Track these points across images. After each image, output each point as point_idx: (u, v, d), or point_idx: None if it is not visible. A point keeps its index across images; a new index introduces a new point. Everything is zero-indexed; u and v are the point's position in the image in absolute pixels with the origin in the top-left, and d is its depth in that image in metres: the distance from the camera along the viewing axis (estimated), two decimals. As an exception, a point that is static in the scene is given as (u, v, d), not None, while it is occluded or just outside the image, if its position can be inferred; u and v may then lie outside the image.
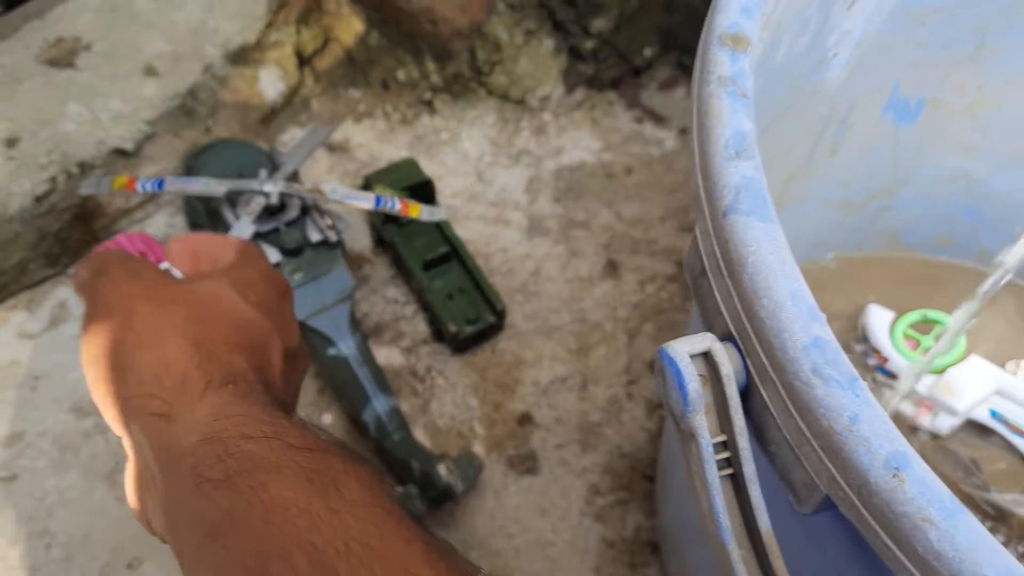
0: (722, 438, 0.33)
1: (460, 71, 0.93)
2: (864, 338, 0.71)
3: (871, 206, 0.72)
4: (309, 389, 0.77)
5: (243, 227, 0.70)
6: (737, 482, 0.33)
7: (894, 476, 0.27)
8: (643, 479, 0.75)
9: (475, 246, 0.87)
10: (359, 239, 0.86)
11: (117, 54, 0.81)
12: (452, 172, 0.92)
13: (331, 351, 0.72)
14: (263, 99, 0.89)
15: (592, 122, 0.98)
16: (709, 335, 0.33)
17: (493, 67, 0.92)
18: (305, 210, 0.74)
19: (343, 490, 0.32)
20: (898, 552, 0.28)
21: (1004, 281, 0.53)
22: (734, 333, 0.33)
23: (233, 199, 0.73)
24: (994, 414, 0.65)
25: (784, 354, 0.30)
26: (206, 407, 0.36)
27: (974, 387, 0.65)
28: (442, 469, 0.66)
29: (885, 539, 0.28)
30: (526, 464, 0.76)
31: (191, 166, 0.77)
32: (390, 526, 0.31)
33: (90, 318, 0.41)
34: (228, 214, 0.72)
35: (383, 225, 0.81)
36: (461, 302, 0.79)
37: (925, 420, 0.66)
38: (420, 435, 0.76)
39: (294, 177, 0.76)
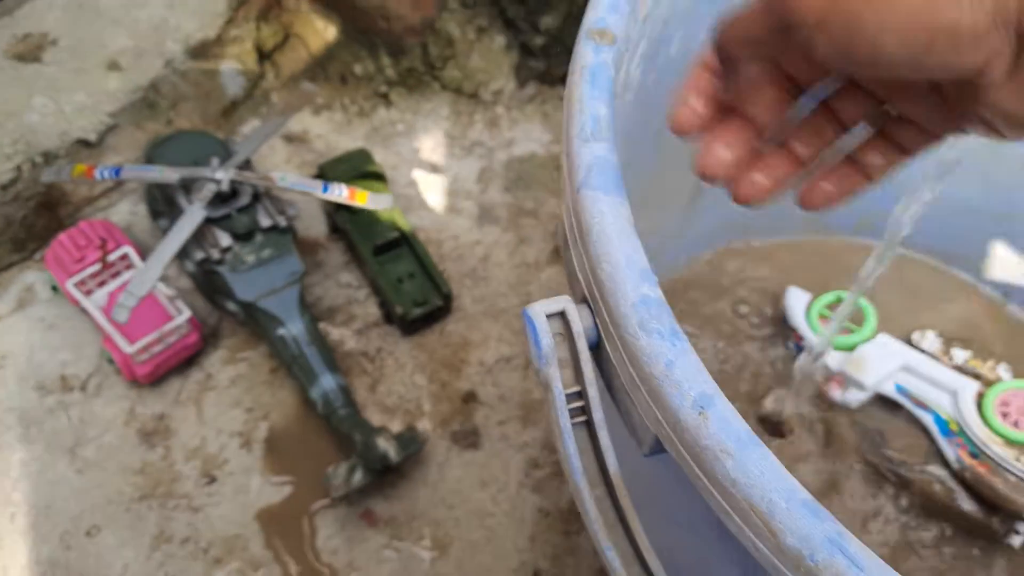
0: (576, 388, 0.37)
1: (414, 66, 0.96)
2: (784, 320, 0.75)
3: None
4: (263, 368, 0.81)
5: (195, 212, 0.74)
6: (591, 428, 0.37)
7: (699, 414, 0.31)
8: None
9: (427, 233, 0.91)
10: (315, 226, 0.90)
11: (82, 49, 0.85)
12: (407, 162, 0.96)
13: (280, 331, 0.76)
14: (224, 92, 0.92)
15: (543, 115, 1.02)
16: (565, 297, 0.37)
17: (446, 62, 0.96)
18: (257, 197, 0.78)
19: None
20: (706, 481, 0.32)
21: (889, 255, 0.57)
22: (587, 295, 0.37)
23: (187, 186, 0.77)
24: (900, 388, 0.69)
25: (618, 310, 0.34)
26: None
27: (882, 363, 0.69)
28: (380, 441, 0.70)
29: (696, 470, 0.32)
30: (469, 439, 0.80)
31: (151, 156, 0.81)
32: None
33: None
34: (182, 200, 0.76)
35: (336, 212, 0.85)
36: (410, 286, 0.83)
37: (836, 394, 0.69)
38: (370, 413, 0.80)
39: (247, 166, 0.79)
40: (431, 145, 0.98)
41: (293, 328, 0.76)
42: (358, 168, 0.85)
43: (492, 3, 0.96)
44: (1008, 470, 0.64)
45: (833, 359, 0.70)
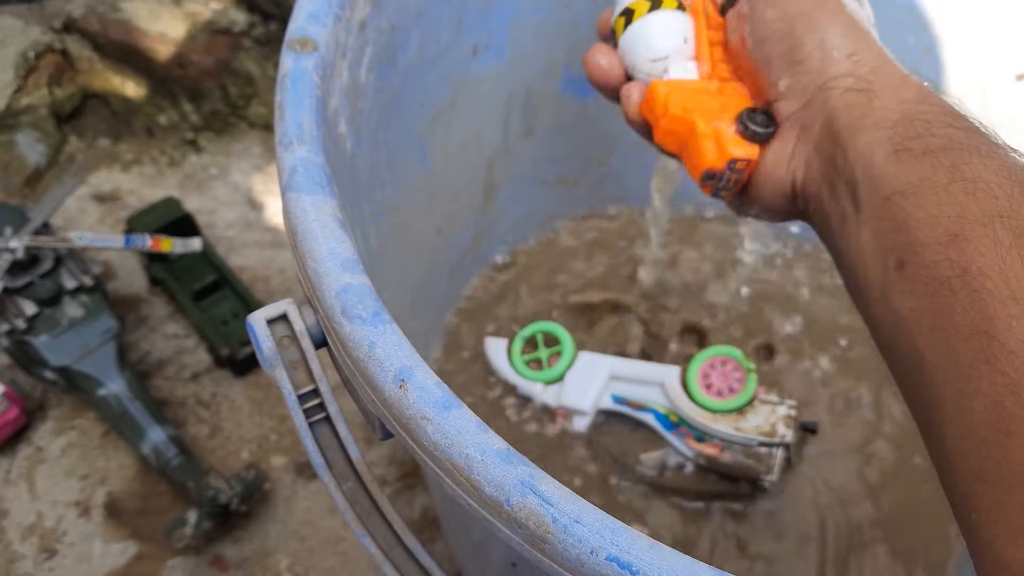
0: (311, 387, 0.38)
1: (217, 108, 0.96)
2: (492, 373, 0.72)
3: (588, 178, 0.79)
4: (94, 433, 0.79)
5: (-10, 285, 0.72)
6: (331, 423, 0.38)
7: (400, 387, 0.32)
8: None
9: (254, 271, 0.91)
10: (135, 281, 0.88)
11: None
12: (225, 204, 0.96)
13: (101, 391, 0.75)
14: (24, 162, 0.90)
15: (360, 139, 1.03)
16: (287, 300, 0.38)
17: (249, 100, 0.96)
18: (60, 260, 0.77)
19: None
20: (418, 450, 0.33)
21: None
22: (306, 293, 0.38)
23: (-14, 259, 0.75)
24: (616, 399, 0.69)
25: (326, 302, 0.35)
26: (911, 89, 0.36)
27: (591, 382, 0.68)
28: (214, 483, 0.69)
29: (409, 441, 0.33)
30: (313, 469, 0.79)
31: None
32: None
33: None
34: (-20, 274, 0.74)
35: (152, 264, 0.84)
36: (236, 326, 0.83)
37: (568, 426, 0.69)
38: (213, 459, 0.79)
39: (45, 230, 0.78)
40: (247, 184, 0.97)
41: (114, 386, 0.75)
42: (166, 217, 0.84)
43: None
44: (732, 441, 0.65)
45: (549, 395, 0.69)
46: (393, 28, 0.52)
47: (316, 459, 0.37)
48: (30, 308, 0.74)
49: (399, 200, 0.60)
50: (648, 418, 0.68)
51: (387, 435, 0.36)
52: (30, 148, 0.91)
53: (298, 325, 0.37)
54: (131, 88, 0.96)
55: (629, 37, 0.45)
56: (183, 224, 0.85)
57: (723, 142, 0.40)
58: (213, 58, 0.92)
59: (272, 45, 0.95)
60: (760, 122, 0.40)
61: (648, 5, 0.45)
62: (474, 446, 0.31)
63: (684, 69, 0.44)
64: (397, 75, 0.54)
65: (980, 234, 0.29)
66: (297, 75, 0.41)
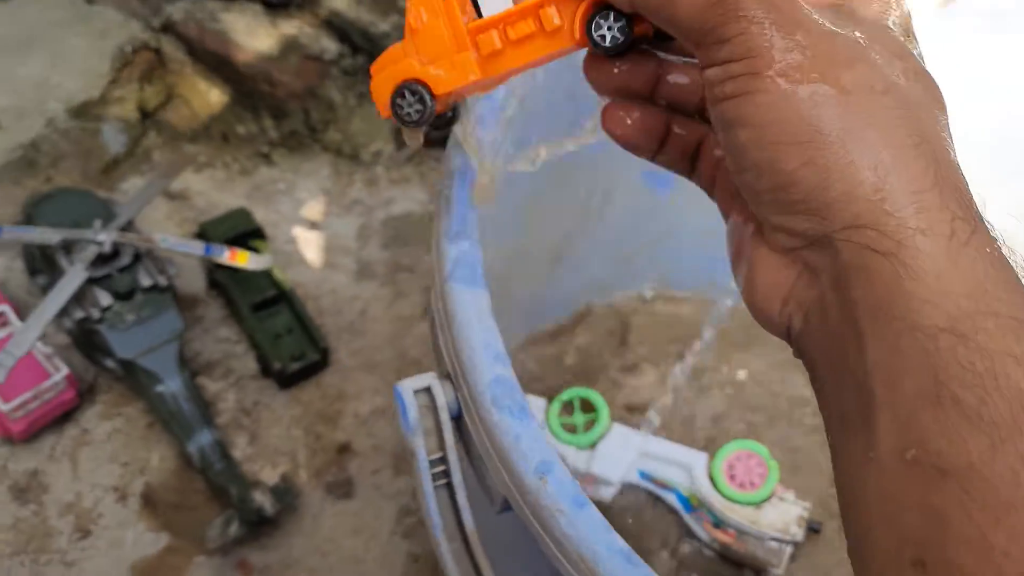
0: (439, 454, 0.43)
1: (296, 128, 1.01)
2: None
3: (642, 257, 0.84)
4: (139, 423, 0.83)
5: (76, 273, 0.76)
6: (450, 490, 0.43)
7: (541, 479, 0.37)
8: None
9: (306, 288, 0.95)
10: (194, 281, 0.92)
11: (-41, 106, 0.86)
12: (287, 220, 1.00)
13: (159, 388, 0.78)
14: (105, 151, 0.94)
15: (420, 176, 1.08)
16: (431, 374, 0.43)
17: (327, 125, 1.01)
18: (138, 256, 0.81)
19: None
20: (545, 536, 0.38)
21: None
22: (450, 372, 0.43)
23: (68, 246, 0.79)
24: (643, 475, 0.73)
25: (476, 388, 0.40)
26: (961, 268, 0.24)
27: (623, 454, 0.73)
28: (255, 494, 0.73)
29: (537, 527, 0.38)
30: (343, 489, 0.83)
31: (30, 213, 0.82)
32: None
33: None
34: (63, 260, 0.78)
35: (216, 269, 0.88)
36: (288, 341, 0.87)
37: (591, 492, 0.73)
38: (248, 465, 0.83)
39: (129, 227, 0.82)
40: (311, 203, 1.02)
41: (172, 384, 0.79)
42: (238, 227, 0.88)
43: (371, 72, 1.01)
44: (747, 532, 0.70)
45: (579, 460, 0.73)
46: (526, 122, 0.57)
47: (435, 520, 0.42)
48: (105, 299, 0.78)
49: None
50: (671, 497, 0.73)
51: (506, 509, 0.41)
52: (113, 138, 0.94)
53: (440, 399, 0.42)
54: (215, 95, 1.00)
55: None
56: (252, 236, 0.89)
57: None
58: (302, 82, 0.97)
59: (357, 76, 1.00)
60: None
61: None
62: (603, 543, 0.36)
63: None
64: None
65: None
66: (464, 172, 0.46)
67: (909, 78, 0.26)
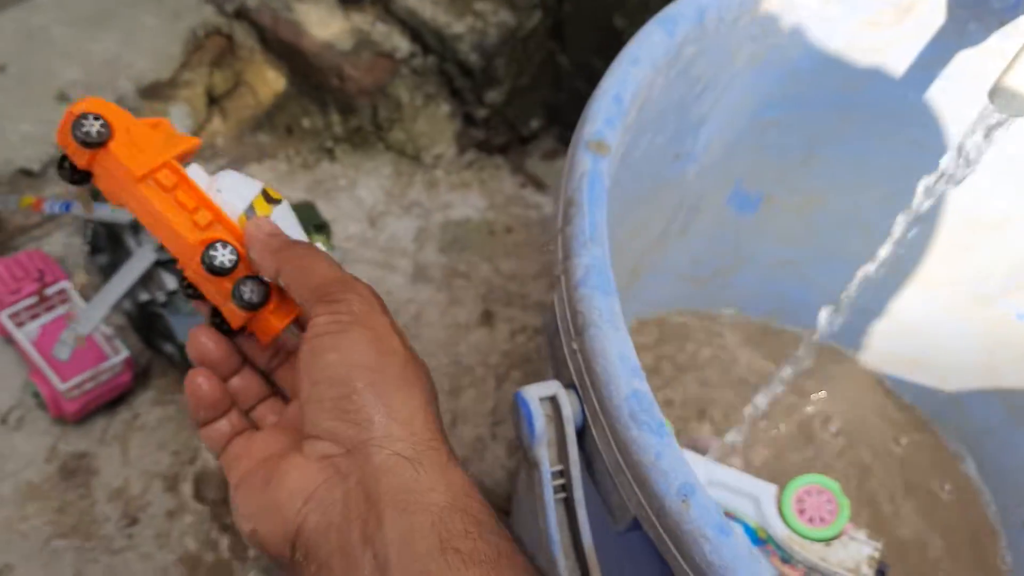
0: (560, 467, 0.41)
1: (362, 125, 0.99)
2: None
3: (715, 282, 0.82)
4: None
5: (145, 255, 0.74)
6: (569, 505, 0.41)
7: (683, 502, 0.35)
8: (500, 512, 0.82)
9: (362, 288, 0.94)
10: (253, 273, 0.91)
11: (31, 79, 0.85)
12: (347, 216, 0.98)
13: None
14: (170, 132, 0.93)
15: (480, 182, 1.06)
16: (556, 382, 0.41)
17: (393, 124, 1.00)
18: (205, 243, 0.79)
19: None
20: (682, 562, 0.36)
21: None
22: (576, 383, 0.41)
23: (137, 226, 0.77)
24: None
25: (610, 401, 0.38)
26: (457, 476, 0.35)
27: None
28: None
29: (674, 551, 0.36)
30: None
31: (98, 192, 0.81)
32: None
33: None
34: (130, 240, 0.77)
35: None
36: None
37: None
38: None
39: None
40: (371, 201, 1.00)
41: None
42: (304, 221, 0.87)
43: (441, 73, 1.00)
44: (816, 569, 0.67)
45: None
46: (640, 130, 0.55)
47: (554, 536, 0.40)
48: (171, 283, 0.76)
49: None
50: (737, 529, 0.71)
51: (633, 527, 0.39)
52: (179, 121, 0.93)
53: (566, 409, 0.40)
54: (282, 85, 0.99)
55: None
56: (318, 230, 0.88)
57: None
58: (372, 79, 0.96)
59: (426, 76, 0.99)
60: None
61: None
62: (748, 572, 0.34)
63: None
64: (625, 169, 0.58)
65: None
66: (595, 177, 0.44)
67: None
